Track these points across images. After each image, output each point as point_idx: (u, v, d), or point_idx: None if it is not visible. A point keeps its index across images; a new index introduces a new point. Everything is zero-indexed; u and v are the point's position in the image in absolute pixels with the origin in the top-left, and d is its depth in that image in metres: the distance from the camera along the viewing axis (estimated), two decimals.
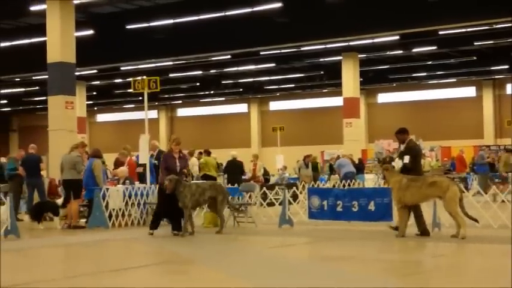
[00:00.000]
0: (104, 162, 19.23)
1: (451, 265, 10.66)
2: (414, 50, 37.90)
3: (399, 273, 9.90)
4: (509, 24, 29.49)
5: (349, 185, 24.68)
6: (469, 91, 49.98)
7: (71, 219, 17.33)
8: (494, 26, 30.70)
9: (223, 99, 57.11)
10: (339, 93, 41.87)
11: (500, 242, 12.58)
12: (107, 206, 17.10)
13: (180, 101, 59.26)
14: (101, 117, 64.55)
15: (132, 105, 58.01)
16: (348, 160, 27.03)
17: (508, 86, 48.68)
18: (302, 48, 35.58)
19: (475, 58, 40.71)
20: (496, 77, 47.90)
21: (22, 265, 11.52)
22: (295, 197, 18.10)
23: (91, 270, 10.34)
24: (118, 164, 20.10)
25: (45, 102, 26.24)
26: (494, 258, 11.19)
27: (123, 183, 18.37)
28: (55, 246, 14.23)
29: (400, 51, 38.47)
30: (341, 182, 24.98)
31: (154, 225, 15.27)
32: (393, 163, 14.57)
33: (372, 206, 15.56)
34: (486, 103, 49.22)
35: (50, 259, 12.63)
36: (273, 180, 31.52)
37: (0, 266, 9.89)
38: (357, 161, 31.72)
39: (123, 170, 19.02)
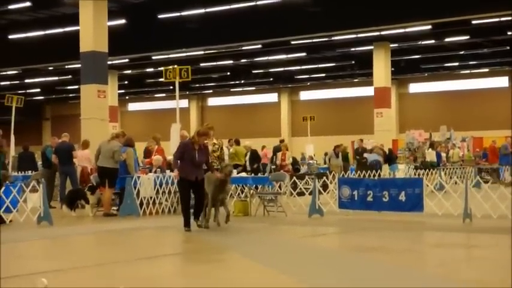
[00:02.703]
0: (135, 151, 19.35)
1: (482, 257, 10.61)
2: (446, 39, 37.56)
3: (430, 264, 9.88)
4: None
5: (379, 175, 24.54)
6: (502, 81, 49.39)
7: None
8: None
9: (254, 88, 57.12)
10: (370, 83, 41.69)
11: None
12: (138, 194, 17.24)
13: (211, 91, 59.38)
14: (132, 106, 64.91)
15: (163, 95, 58.29)
16: (375, 154, 26.75)
17: None
18: (333, 38, 35.47)
19: (508, 48, 40.22)
20: None
21: (55, 252, 11.67)
22: (325, 186, 18.08)
23: (123, 257, 10.44)
24: (147, 153, 20.22)
25: (77, 91, 26.50)
26: None
27: (155, 172, 18.49)
28: (87, 234, 14.38)
29: (432, 41, 38.18)
30: (370, 171, 24.64)
31: (188, 221, 13.80)
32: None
33: (402, 197, 15.51)
34: None
35: (82, 246, 12.78)
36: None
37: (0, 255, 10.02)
38: (387, 151, 31.52)
39: (158, 158, 19.12)
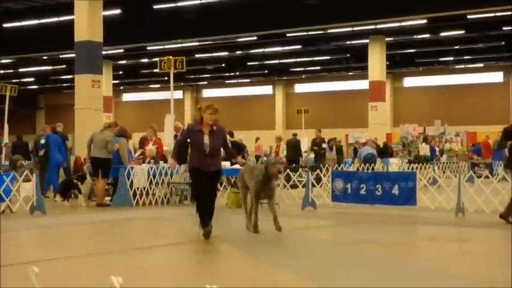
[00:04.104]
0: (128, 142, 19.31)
1: (475, 251, 10.63)
2: (442, 34, 37.62)
3: (422, 257, 9.91)
4: None
5: (372, 168, 24.59)
6: (497, 76, 49.50)
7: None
8: None
9: (249, 80, 57.10)
10: (365, 77, 41.72)
11: None
12: (131, 185, 17.23)
13: (206, 82, 59.34)
14: (127, 97, 64.82)
15: (158, 85, 58.22)
16: (369, 147, 26.76)
17: None
18: (329, 31, 35.46)
19: (503, 43, 40.31)
20: None
21: (48, 241, 11.66)
22: (318, 179, 18.09)
23: (116, 247, 10.43)
24: (143, 143, 20.22)
25: (72, 80, 26.45)
26: None
27: (148, 163, 18.49)
28: (80, 224, 14.37)
29: (428, 35, 38.22)
30: (364, 164, 24.68)
31: (205, 220, 10.94)
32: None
33: (395, 190, 15.54)
34: None
35: (75, 236, 12.77)
36: None
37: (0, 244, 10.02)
38: (381, 145, 31.57)
39: (152, 149, 19.11)
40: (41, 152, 19.59)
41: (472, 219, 13.77)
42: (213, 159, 10.99)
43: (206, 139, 10.85)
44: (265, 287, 7.32)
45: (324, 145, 27.20)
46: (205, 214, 10.81)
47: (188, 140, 11.23)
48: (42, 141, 19.63)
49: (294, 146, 26.62)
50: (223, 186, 20.24)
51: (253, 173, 11.51)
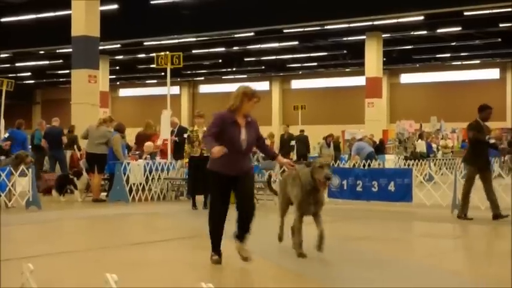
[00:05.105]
0: (123, 137, 19.30)
1: (470, 247, 10.67)
2: (439, 30, 37.61)
3: (418, 254, 9.93)
4: None
5: (369, 165, 24.59)
6: (493, 73, 49.53)
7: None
8: None
9: (245, 76, 57.02)
10: (362, 73, 41.72)
11: None
12: (127, 181, 17.23)
13: (203, 78, 59.28)
14: (124, 92, 64.74)
15: (155, 81, 58.14)
16: (365, 143, 26.71)
17: None
18: (326, 27, 35.43)
19: (499, 40, 40.31)
20: None
21: (43, 236, 11.66)
22: None
23: (112, 243, 10.44)
24: (140, 139, 20.21)
25: (68, 75, 26.40)
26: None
27: (145, 159, 18.48)
28: (76, 219, 14.37)
29: (425, 32, 38.20)
30: (365, 161, 24.62)
31: (216, 247, 11.55)
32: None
33: (392, 187, 15.59)
34: (510, 85, 48.77)
35: (71, 231, 12.77)
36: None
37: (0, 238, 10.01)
38: (377, 142, 31.58)
39: (150, 145, 19.11)
40: (5, 147, 19.51)
41: (468, 216, 13.77)
42: (243, 159, 8.35)
43: (243, 133, 8.26)
44: (261, 284, 7.34)
45: (293, 142, 27.13)
46: (218, 238, 8.49)
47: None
48: (6, 135, 19.53)
49: (302, 142, 27.00)
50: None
51: (297, 180, 8.94)
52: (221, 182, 8.26)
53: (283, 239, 9.54)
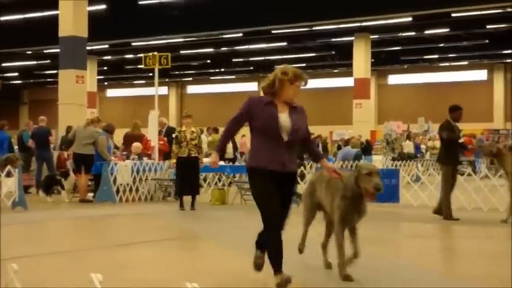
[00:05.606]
0: (111, 138, 19.23)
1: (457, 248, 10.69)
2: (426, 31, 37.72)
3: (405, 254, 9.94)
4: None
5: (356, 166, 24.55)
6: (481, 74, 49.70)
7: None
8: (507, 10, 30.52)
9: (234, 77, 57.00)
10: (350, 74, 41.78)
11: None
12: (114, 181, 17.18)
13: (191, 78, 59.22)
14: (111, 93, 64.55)
15: (143, 81, 58.00)
16: (348, 148, 26.54)
17: None
18: (314, 28, 35.47)
19: (487, 41, 40.48)
20: (508, 60, 47.60)
21: (29, 237, 11.60)
22: (302, 176, 18.10)
23: (99, 244, 10.40)
24: (128, 139, 20.15)
25: (56, 76, 26.31)
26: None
27: (133, 159, 18.43)
28: (63, 219, 14.32)
29: (413, 33, 38.30)
30: (353, 161, 24.57)
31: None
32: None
33: None
34: (497, 87, 48.98)
35: (58, 232, 12.72)
36: None
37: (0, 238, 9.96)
38: (364, 142, 31.63)
39: (138, 146, 19.05)
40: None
41: (454, 217, 13.81)
42: (291, 154, 6.68)
43: (285, 119, 6.65)
44: (246, 284, 7.32)
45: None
46: (278, 237, 6.69)
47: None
48: None
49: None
50: (207, 183, 20.24)
51: (333, 186, 7.46)
52: (265, 178, 6.54)
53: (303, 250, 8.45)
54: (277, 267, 6.58)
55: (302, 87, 6.97)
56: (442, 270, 8.36)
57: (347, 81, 46.45)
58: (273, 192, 6.54)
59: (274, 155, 6.51)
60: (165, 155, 19.08)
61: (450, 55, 45.40)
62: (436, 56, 45.80)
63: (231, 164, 20.00)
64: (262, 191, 6.59)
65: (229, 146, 26.59)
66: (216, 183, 19.36)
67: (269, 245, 6.70)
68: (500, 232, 12.04)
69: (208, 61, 50.01)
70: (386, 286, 7.13)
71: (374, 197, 7.22)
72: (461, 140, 14.01)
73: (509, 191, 12.89)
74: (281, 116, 6.60)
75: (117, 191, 17.18)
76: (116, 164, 17.35)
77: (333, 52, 45.41)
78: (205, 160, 16.54)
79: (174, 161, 15.51)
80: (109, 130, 18.46)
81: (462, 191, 15.22)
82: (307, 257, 8.37)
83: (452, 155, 13.53)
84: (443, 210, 13.43)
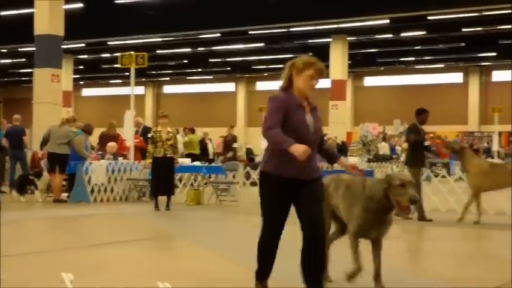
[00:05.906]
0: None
1: (432, 249, 10.75)
2: (403, 34, 37.91)
3: (382, 254, 9.96)
4: (498, 12, 29.61)
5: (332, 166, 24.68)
6: (456, 77, 50.09)
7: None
8: (483, 13, 30.78)
9: (211, 77, 56.96)
10: (326, 75, 41.83)
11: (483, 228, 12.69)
12: (89, 181, 17.08)
13: (168, 78, 59.10)
14: (87, 92, 64.22)
15: (119, 81, 57.78)
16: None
17: (494, 73, 48.84)
18: (292, 29, 35.52)
19: (463, 44, 40.79)
20: (483, 64, 48.06)
21: (5, 237, 11.49)
22: None
23: (73, 244, 10.33)
24: (103, 139, 20.04)
25: (31, 74, 26.13)
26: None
27: (108, 159, 18.34)
28: (37, 219, 14.21)
29: (390, 35, 38.48)
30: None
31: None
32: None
33: None
34: (472, 89, 49.39)
35: (32, 232, 12.61)
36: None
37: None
38: (340, 143, 31.81)
39: (113, 145, 18.95)
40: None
41: (427, 218, 13.89)
42: (314, 157, 6.06)
43: (310, 121, 6.10)
44: (220, 284, 7.31)
45: (236, 144, 27.08)
46: (271, 262, 6.38)
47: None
48: None
49: None
50: (182, 183, 20.19)
51: (354, 193, 6.61)
52: (280, 189, 5.90)
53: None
54: (260, 274, 6.34)
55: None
56: (412, 270, 8.41)
57: (323, 83, 46.34)
58: (284, 207, 6.03)
59: (302, 161, 5.65)
60: (141, 151, 18.97)
61: (426, 58, 45.70)
62: (413, 59, 46.07)
63: (207, 164, 19.98)
64: (272, 201, 6.01)
65: (211, 146, 26.64)
66: (191, 184, 19.32)
67: (258, 251, 6.36)
68: (472, 233, 12.16)
69: (185, 61, 49.92)
70: (358, 286, 7.14)
71: (408, 211, 6.45)
72: (426, 143, 14.29)
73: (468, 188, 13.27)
74: (308, 118, 6.05)
75: (92, 191, 17.09)
76: (90, 163, 17.24)
77: (310, 53, 45.31)
78: (181, 160, 16.51)
79: (150, 161, 15.45)
80: (87, 130, 18.39)
81: (436, 193, 15.31)
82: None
83: (418, 156, 13.80)
84: (417, 211, 13.52)
